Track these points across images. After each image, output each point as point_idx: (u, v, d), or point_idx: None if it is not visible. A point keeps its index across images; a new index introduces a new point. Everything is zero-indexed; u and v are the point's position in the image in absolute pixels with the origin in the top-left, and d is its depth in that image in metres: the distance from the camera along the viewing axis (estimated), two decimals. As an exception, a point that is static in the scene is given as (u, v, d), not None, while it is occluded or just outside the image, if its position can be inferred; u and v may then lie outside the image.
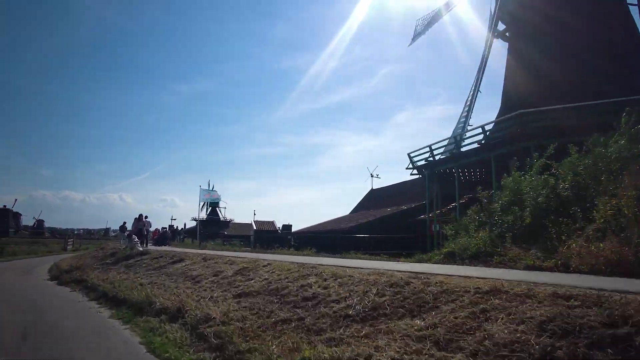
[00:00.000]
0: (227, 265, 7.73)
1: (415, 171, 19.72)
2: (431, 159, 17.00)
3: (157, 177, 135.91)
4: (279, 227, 35.23)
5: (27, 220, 75.97)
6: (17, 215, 73.62)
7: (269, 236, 29.31)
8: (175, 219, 69.21)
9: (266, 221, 35.49)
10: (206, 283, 6.82)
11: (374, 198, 35.06)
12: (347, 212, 37.38)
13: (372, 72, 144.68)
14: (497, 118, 19.42)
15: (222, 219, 57.84)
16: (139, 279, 8.45)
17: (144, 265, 10.34)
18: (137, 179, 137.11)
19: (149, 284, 7.74)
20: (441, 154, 16.62)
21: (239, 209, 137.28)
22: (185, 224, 54.48)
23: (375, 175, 36.56)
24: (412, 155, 18.41)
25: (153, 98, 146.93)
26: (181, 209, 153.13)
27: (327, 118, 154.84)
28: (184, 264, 8.98)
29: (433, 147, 16.78)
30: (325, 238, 21.92)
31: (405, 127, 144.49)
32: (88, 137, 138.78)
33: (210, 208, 55.94)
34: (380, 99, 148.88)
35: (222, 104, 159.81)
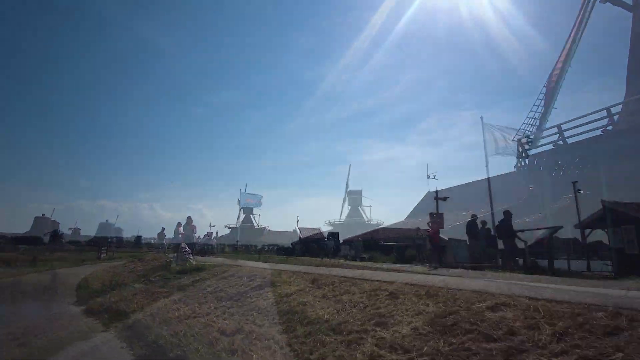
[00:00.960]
0: (386, 300, 4.07)
1: (520, 162, 15.49)
2: (560, 142, 12.79)
3: (185, 186, 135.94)
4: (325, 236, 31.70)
5: (64, 228, 77.06)
6: (55, 224, 74.80)
7: (319, 245, 25.72)
8: (214, 225, 67.21)
9: (311, 228, 31.89)
10: (375, 347, 3.16)
11: (434, 201, 30.68)
12: (402, 218, 33.20)
13: (396, 79, 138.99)
14: (628, 96, 15.01)
15: (256, 226, 54.94)
16: (212, 319, 4.95)
17: (208, 289, 6.81)
18: (166, 188, 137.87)
19: (237, 332, 4.22)
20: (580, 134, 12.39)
21: (270, 217, 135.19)
22: (217, 232, 52.08)
23: (432, 176, 32.13)
24: (523, 140, 14.28)
25: (183, 110, 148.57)
26: (207, 218, 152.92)
27: (351, 126, 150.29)
28: (282, 292, 5.40)
29: (563, 127, 12.61)
30: (398, 247, 17.92)
31: (431, 134, 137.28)
32: (122, 148, 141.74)
33: (244, 215, 53.24)
34: (405, 105, 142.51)
35: (249, 113, 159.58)
